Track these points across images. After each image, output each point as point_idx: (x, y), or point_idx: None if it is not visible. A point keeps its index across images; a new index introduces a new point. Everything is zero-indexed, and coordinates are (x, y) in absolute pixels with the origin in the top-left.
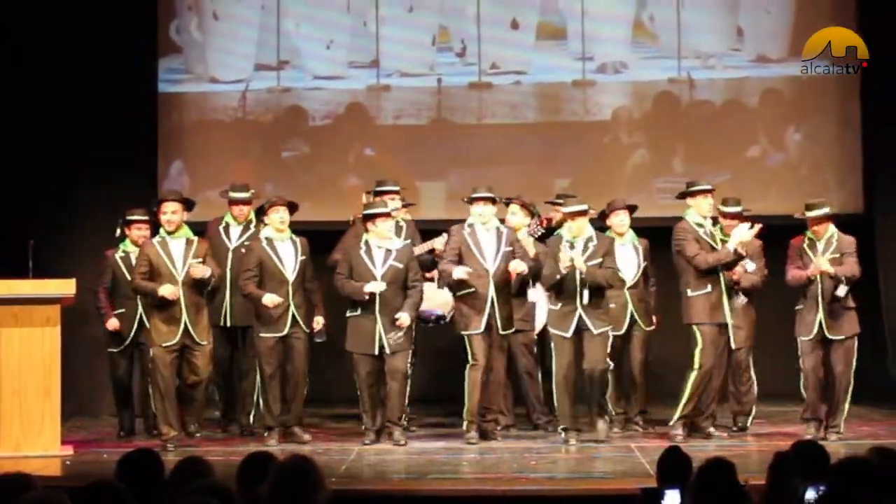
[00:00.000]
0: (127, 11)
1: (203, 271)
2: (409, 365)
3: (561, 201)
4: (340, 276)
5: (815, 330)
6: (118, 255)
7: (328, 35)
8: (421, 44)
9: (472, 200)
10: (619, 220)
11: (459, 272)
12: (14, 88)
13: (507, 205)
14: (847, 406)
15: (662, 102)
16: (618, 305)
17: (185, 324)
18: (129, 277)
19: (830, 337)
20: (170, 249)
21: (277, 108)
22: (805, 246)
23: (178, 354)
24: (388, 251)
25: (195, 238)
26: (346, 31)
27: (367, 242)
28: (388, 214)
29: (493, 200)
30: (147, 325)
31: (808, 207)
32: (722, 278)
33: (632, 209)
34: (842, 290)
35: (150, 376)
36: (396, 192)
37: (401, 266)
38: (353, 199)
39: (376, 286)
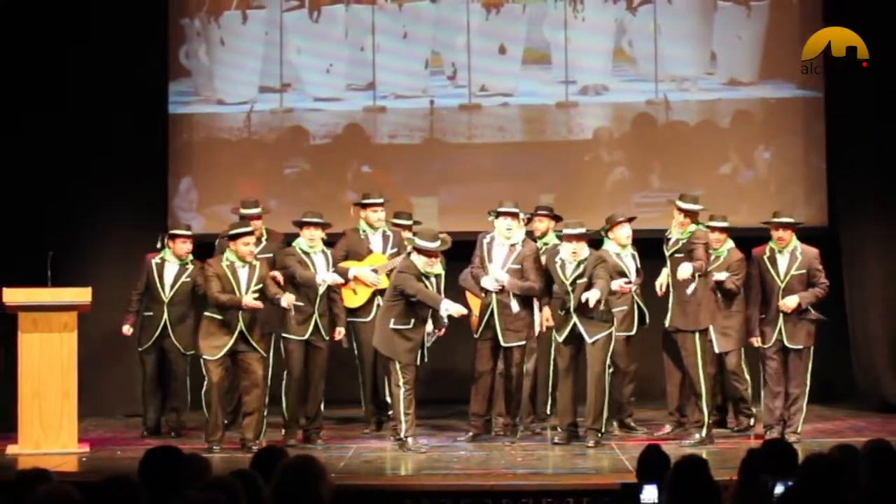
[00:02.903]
0: (140, 39)
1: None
2: None
3: (544, 213)
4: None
5: (775, 338)
6: (155, 261)
7: (328, 60)
8: (414, 68)
9: (498, 214)
10: (626, 233)
11: (487, 282)
12: (34, 110)
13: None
14: (804, 408)
15: (640, 123)
16: (626, 309)
17: (241, 331)
18: (159, 284)
19: (788, 346)
20: (238, 275)
21: (280, 128)
22: (765, 258)
23: (227, 364)
24: (437, 276)
25: (257, 263)
26: (344, 56)
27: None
28: (434, 254)
29: (518, 216)
30: (169, 329)
31: (775, 214)
32: (670, 289)
33: (630, 220)
34: (814, 313)
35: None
36: (381, 205)
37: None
38: (352, 214)
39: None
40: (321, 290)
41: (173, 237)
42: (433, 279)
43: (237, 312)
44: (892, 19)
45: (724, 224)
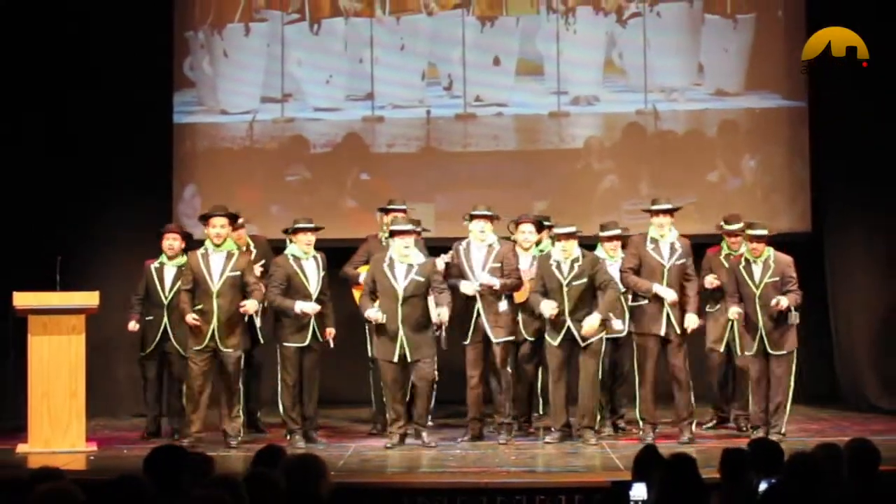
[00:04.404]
0: (145, 50)
1: (252, 308)
2: (434, 371)
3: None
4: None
5: (757, 345)
6: (153, 265)
7: (327, 71)
8: (411, 79)
9: (472, 218)
10: (614, 245)
11: (466, 287)
12: (44, 119)
13: (517, 225)
14: (787, 411)
15: (630, 132)
16: (617, 310)
17: (214, 332)
18: (159, 287)
19: (771, 352)
20: (210, 262)
21: (281, 137)
22: (741, 267)
23: (209, 360)
24: (411, 266)
25: (236, 251)
26: (343, 67)
27: (390, 257)
28: (407, 232)
29: (490, 218)
30: (169, 333)
31: (749, 226)
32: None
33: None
34: (795, 318)
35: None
36: (403, 211)
37: (422, 279)
38: (351, 220)
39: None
40: (306, 309)
41: (161, 235)
42: (400, 269)
43: (211, 303)
44: (875, 31)
45: (738, 226)
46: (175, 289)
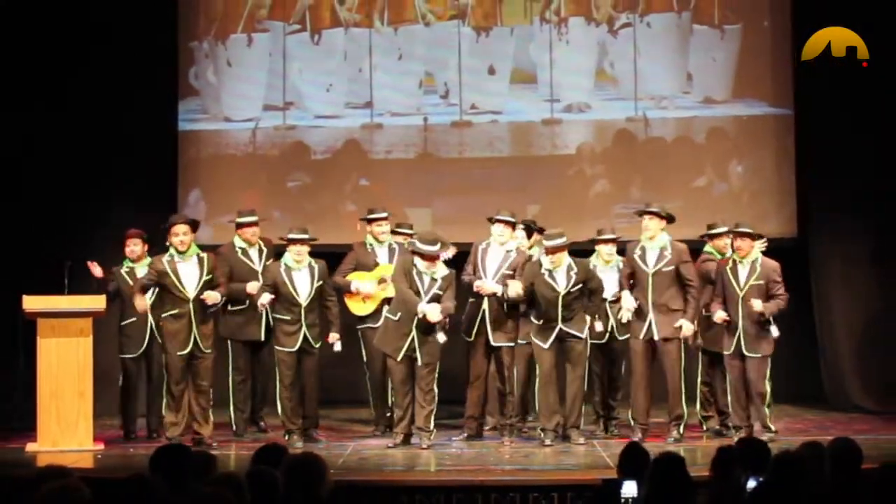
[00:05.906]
0: (152, 60)
1: (215, 298)
2: (434, 377)
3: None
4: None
5: (734, 347)
6: (122, 270)
7: (328, 80)
8: (409, 88)
9: (493, 221)
10: (608, 250)
11: (484, 285)
12: (51, 127)
13: (514, 227)
14: (767, 410)
15: (621, 139)
16: (601, 320)
17: (194, 335)
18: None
19: (746, 354)
20: (178, 269)
21: (283, 144)
22: (728, 269)
23: (189, 363)
24: (434, 280)
25: (204, 255)
26: (343, 76)
27: (417, 266)
28: (432, 257)
29: (512, 225)
30: (156, 334)
31: (736, 225)
32: (649, 296)
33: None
34: (775, 331)
35: (165, 379)
36: (385, 219)
37: (442, 293)
38: (351, 224)
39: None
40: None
41: (125, 238)
42: (426, 279)
43: (188, 307)
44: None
45: (723, 229)
46: (156, 291)
